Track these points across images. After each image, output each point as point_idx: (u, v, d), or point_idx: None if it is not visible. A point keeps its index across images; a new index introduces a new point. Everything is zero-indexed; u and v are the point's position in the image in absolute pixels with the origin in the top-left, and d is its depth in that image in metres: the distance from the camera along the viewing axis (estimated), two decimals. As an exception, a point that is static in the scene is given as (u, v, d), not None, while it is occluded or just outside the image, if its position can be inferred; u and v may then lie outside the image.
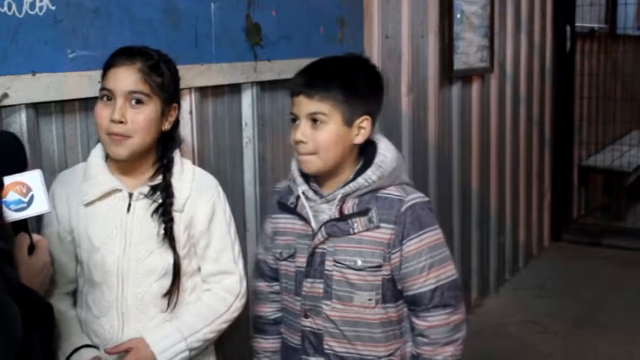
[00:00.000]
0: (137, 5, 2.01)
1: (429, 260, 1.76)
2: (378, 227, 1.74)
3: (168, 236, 1.77)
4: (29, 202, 1.42)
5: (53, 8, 1.78)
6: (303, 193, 1.82)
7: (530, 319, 4.03)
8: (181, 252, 1.80)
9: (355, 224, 1.75)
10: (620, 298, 4.30)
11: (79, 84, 1.86)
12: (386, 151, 1.80)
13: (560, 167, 5.42)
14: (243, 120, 2.49)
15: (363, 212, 1.75)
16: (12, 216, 1.39)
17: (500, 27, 4.32)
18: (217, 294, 1.86)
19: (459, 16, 3.77)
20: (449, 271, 1.79)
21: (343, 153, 1.77)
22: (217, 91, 2.37)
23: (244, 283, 1.90)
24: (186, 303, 1.83)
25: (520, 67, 4.68)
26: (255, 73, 2.45)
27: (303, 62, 2.66)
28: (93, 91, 1.85)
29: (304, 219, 1.81)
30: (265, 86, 2.54)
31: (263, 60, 2.47)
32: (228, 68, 2.34)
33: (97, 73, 1.84)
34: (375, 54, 3.12)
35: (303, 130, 1.74)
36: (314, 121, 1.74)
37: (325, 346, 1.81)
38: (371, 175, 1.75)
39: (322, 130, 1.74)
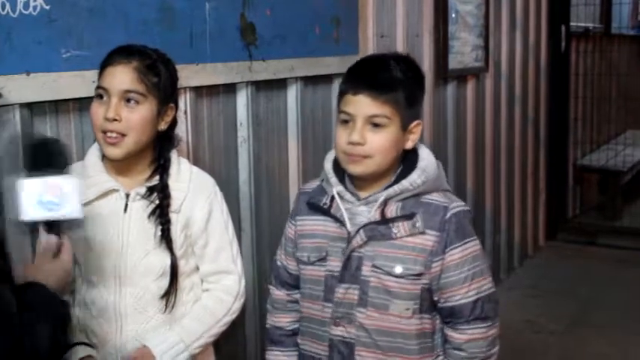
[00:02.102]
0: (132, 5, 2.00)
1: (471, 271, 1.69)
2: (422, 233, 1.66)
3: (165, 238, 1.77)
4: (61, 205, 1.42)
5: (47, 8, 1.78)
6: (338, 193, 1.72)
7: (525, 318, 4.02)
8: (178, 252, 1.80)
9: (398, 228, 1.66)
10: (615, 297, 4.31)
11: (74, 84, 1.86)
12: (428, 157, 1.74)
13: (556, 166, 5.42)
14: (238, 120, 2.49)
15: (408, 216, 1.66)
16: (43, 215, 1.42)
17: (495, 26, 4.32)
18: (217, 296, 1.87)
19: (453, 15, 3.78)
20: (488, 283, 1.72)
21: (395, 158, 1.70)
22: (212, 90, 2.37)
23: (243, 283, 1.91)
24: (185, 302, 1.83)
25: (515, 67, 4.68)
26: (250, 73, 2.44)
27: (298, 62, 2.68)
28: (87, 91, 1.85)
29: (339, 221, 1.71)
30: (260, 86, 2.53)
31: (258, 60, 2.46)
32: (223, 68, 2.33)
33: (92, 73, 1.83)
34: (370, 54, 3.11)
35: (361, 132, 1.64)
36: (374, 124, 1.65)
37: (357, 357, 1.70)
38: (416, 179, 1.68)
39: (381, 133, 1.65)
